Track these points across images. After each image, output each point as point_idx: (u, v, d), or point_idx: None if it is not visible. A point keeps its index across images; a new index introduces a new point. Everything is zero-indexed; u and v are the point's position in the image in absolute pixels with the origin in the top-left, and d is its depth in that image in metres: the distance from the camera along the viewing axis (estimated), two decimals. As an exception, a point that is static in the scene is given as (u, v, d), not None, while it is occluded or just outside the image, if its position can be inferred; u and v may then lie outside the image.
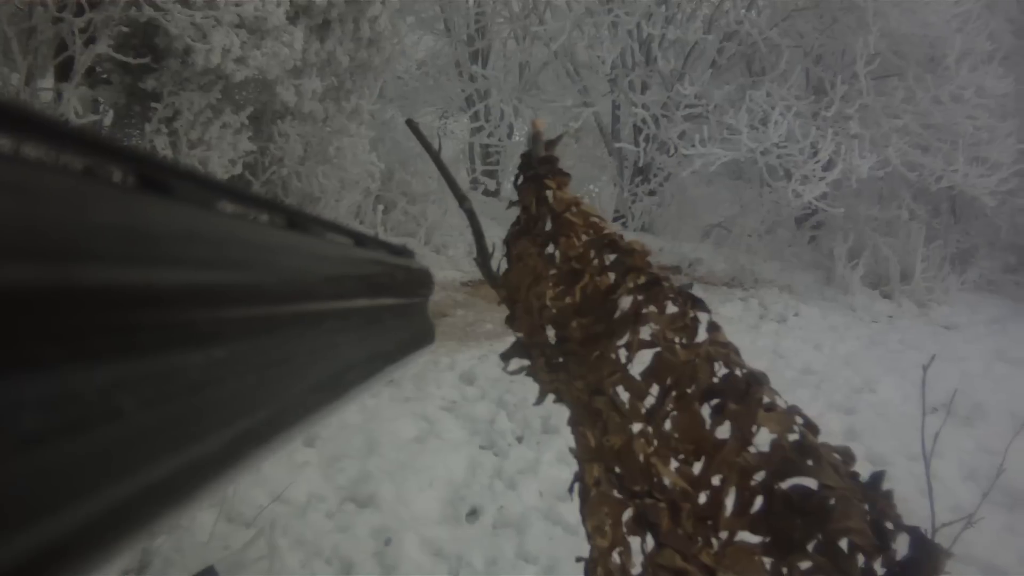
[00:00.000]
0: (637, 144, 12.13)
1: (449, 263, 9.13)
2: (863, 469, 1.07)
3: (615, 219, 12.66)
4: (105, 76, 6.58)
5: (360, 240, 0.78)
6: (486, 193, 12.21)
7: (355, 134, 7.44)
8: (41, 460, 0.27)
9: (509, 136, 12.02)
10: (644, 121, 11.77)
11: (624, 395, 1.38)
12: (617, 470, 1.33)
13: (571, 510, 4.59)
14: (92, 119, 6.40)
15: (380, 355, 0.82)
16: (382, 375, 0.83)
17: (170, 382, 0.36)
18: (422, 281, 1.12)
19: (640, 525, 1.23)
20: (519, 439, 5.44)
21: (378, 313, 0.82)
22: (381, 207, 8.64)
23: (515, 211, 1.90)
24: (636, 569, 1.36)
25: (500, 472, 4.93)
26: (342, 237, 0.72)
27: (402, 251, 1.00)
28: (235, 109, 6.53)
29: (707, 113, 11.22)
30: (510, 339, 1.96)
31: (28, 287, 0.26)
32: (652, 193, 12.65)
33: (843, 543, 0.99)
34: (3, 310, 0.25)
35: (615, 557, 1.40)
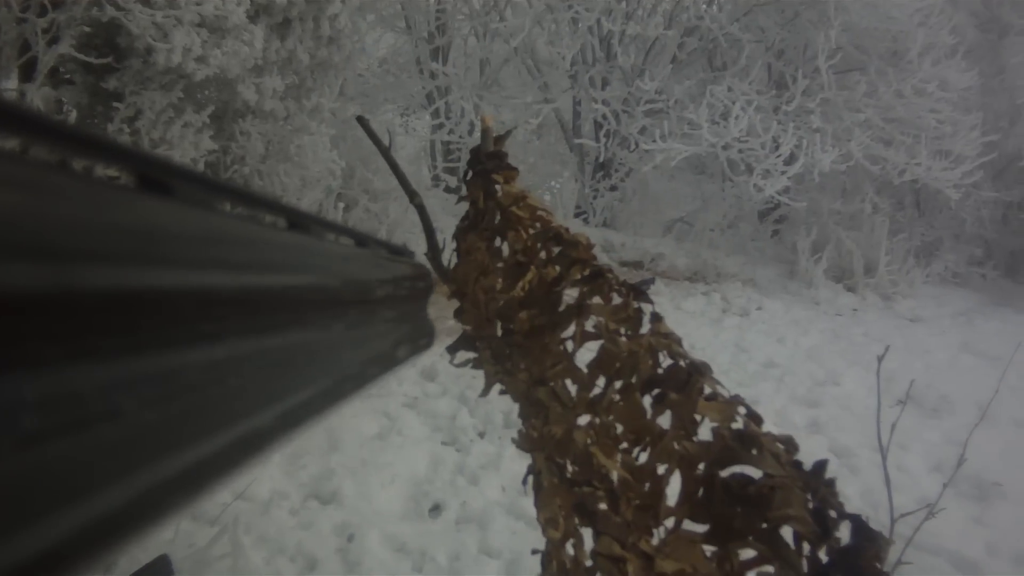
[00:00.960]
0: (598, 140, 12.13)
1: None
2: (828, 462, 1.07)
3: (577, 215, 12.65)
4: (68, 76, 6.54)
5: (360, 240, 0.79)
6: (447, 190, 12.10)
7: (316, 132, 7.42)
8: (41, 460, 0.27)
9: (470, 133, 11.97)
10: (605, 117, 11.76)
11: (572, 387, 1.39)
12: (559, 460, 1.33)
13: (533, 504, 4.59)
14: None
15: (381, 355, 0.82)
16: (383, 375, 0.83)
17: (170, 382, 0.36)
18: (422, 281, 1.12)
19: (580, 514, 1.23)
20: (481, 435, 5.47)
21: (378, 313, 0.81)
22: (343, 205, 8.66)
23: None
24: (590, 561, 1.36)
25: (462, 468, 4.95)
26: (342, 237, 0.73)
27: (402, 251, 1.02)
28: (197, 108, 6.51)
29: (668, 108, 11.23)
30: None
31: (29, 287, 0.26)
32: (614, 188, 12.65)
33: (786, 531, 1.00)
34: (3, 310, 0.25)
35: (568, 548, 1.41)
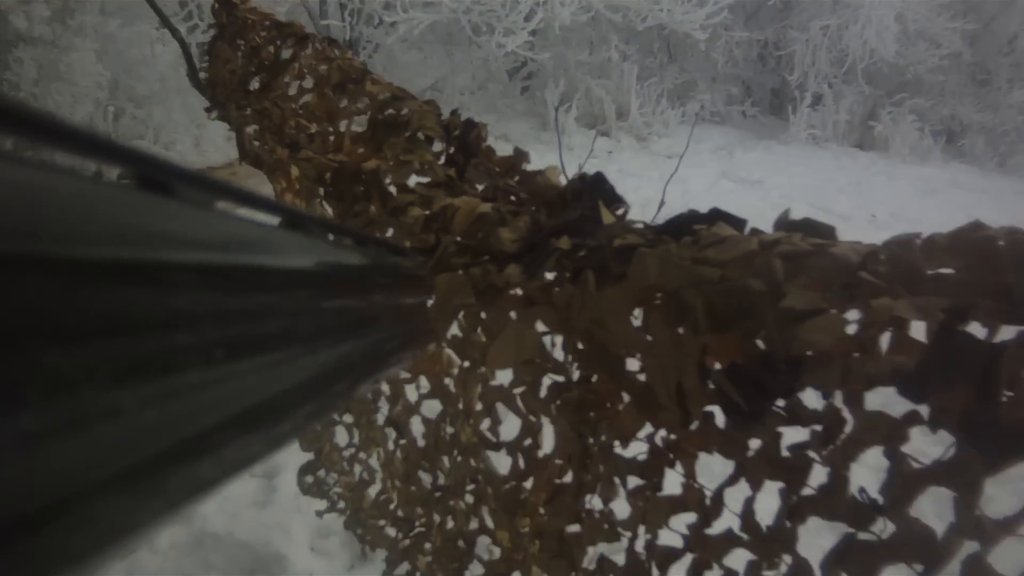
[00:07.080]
0: (344, 20, 12.21)
1: (179, 157, 9.06)
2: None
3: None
4: None
5: (359, 240, 0.79)
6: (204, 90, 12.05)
7: (82, 49, 7.72)
8: (40, 460, 0.26)
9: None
10: (348, -4, 11.93)
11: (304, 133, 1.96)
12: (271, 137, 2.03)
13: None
14: None
15: (381, 353, 0.85)
16: (383, 374, 0.90)
17: (170, 382, 0.34)
18: (421, 281, 1.09)
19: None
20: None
21: (378, 311, 0.81)
22: (112, 112, 8.85)
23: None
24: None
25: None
26: (341, 237, 0.75)
27: (401, 251, 1.03)
28: (-30, 44, 6.64)
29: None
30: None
31: (28, 286, 0.25)
32: (363, 64, 12.53)
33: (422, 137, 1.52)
34: (3, 309, 0.24)
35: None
